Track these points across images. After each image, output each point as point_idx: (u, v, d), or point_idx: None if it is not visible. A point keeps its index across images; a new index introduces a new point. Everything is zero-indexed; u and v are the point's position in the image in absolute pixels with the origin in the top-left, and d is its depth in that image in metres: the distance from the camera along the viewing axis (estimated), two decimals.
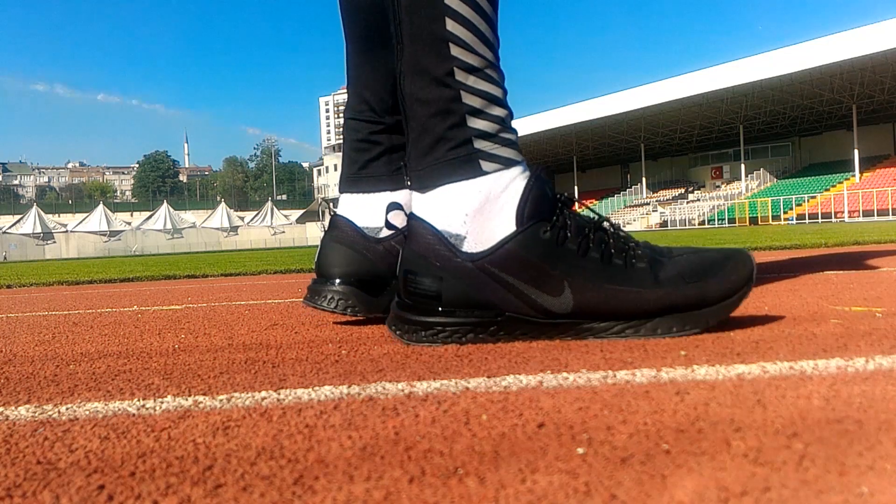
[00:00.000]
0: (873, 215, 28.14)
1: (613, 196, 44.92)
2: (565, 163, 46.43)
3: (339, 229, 1.06)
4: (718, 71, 31.55)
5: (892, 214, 27.65)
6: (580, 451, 0.41)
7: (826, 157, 38.10)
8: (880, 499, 0.33)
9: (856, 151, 32.90)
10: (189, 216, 52.82)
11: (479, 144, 0.80)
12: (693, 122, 38.37)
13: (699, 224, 34.94)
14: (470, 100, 0.79)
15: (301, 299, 1.66)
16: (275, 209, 51.27)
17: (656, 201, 41.26)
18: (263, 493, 0.37)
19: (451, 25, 0.78)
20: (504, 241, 0.77)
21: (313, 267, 1.09)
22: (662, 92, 33.60)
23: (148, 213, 52.78)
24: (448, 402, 0.54)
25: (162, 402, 0.59)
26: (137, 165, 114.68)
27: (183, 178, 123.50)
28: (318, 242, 1.10)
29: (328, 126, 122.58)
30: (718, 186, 41.78)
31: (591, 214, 0.84)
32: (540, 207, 0.79)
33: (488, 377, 0.62)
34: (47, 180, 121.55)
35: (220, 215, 48.63)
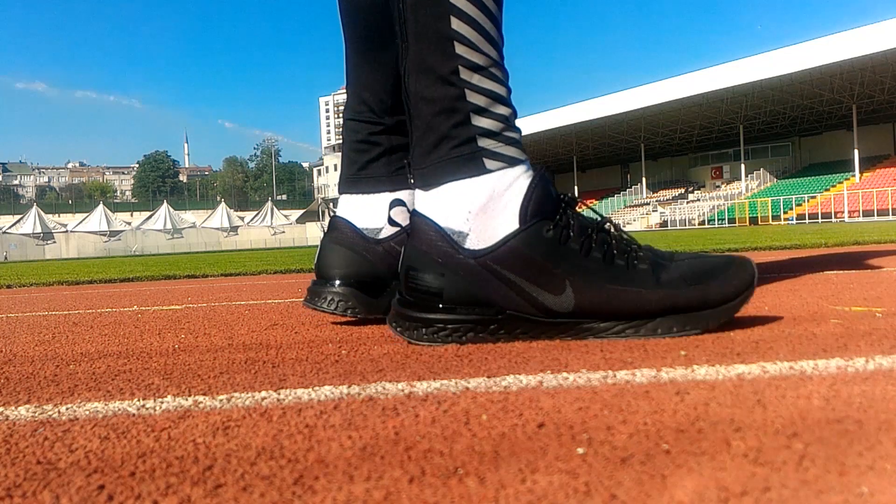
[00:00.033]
0: (873, 215, 28.14)
1: (613, 196, 44.92)
2: (565, 163, 46.43)
3: (339, 231, 1.06)
4: (718, 71, 31.55)
5: (892, 214, 27.65)
6: (580, 451, 0.41)
7: (826, 157, 38.11)
8: (880, 499, 0.33)
9: (856, 151, 32.90)
10: (189, 216, 52.83)
11: (483, 143, 0.80)
12: (693, 122, 38.38)
13: (699, 224, 34.94)
14: (474, 98, 0.80)
15: (301, 299, 1.66)
16: (275, 209, 51.29)
17: (656, 201, 41.26)
18: (263, 493, 0.37)
19: (456, 24, 0.78)
20: (507, 239, 0.77)
21: (313, 268, 1.09)
22: (662, 92, 33.61)
23: (148, 213, 52.79)
24: (448, 402, 0.54)
25: (162, 402, 0.59)
26: (137, 165, 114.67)
27: (183, 178, 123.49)
28: (318, 242, 1.10)
29: (328, 126, 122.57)
30: (718, 186, 41.79)
31: (594, 215, 0.84)
32: (543, 206, 0.79)
33: (488, 377, 0.62)
34: (47, 180, 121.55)
35: (220, 215, 48.64)
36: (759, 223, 29.74)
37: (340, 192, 1.11)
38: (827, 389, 0.53)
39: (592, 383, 0.58)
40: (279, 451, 0.43)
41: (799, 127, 39.06)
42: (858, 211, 29.09)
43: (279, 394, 0.60)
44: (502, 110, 0.81)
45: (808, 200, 32.33)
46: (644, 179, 43.55)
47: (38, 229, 42.92)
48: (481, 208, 0.78)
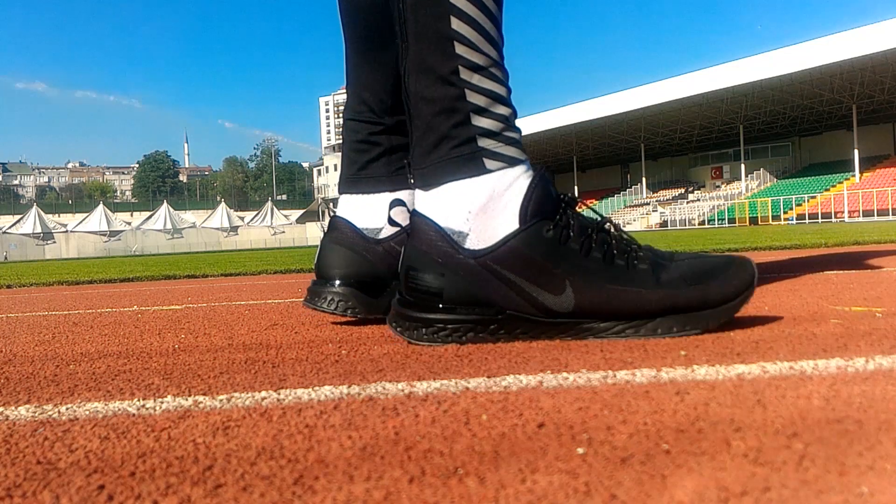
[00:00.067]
0: (873, 215, 28.14)
1: (613, 196, 44.93)
2: (565, 163, 46.43)
3: (339, 231, 1.06)
4: (718, 71, 31.55)
5: (892, 214, 27.65)
6: (580, 451, 0.41)
7: (826, 157, 38.11)
8: (880, 499, 0.33)
9: (856, 151, 32.90)
10: (189, 216, 52.82)
11: (483, 143, 0.80)
12: (693, 122, 38.38)
13: (699, 224, 34.94)
14: (474, 98, 0.80)
15: (301, 299, 1.66)
16: (275, 209, 51.28)
17: (656, 201, 41.26)
18: (263, 493, 0.37)
19: (456, 24, 0.78)
20: (507, 239, 0.77)
21: (313, 268, 1.09)
22: (662, 92, 33.61)
23: (148, 213, 52.78)
24: (448, 402, 0.54)
25: (162, 402, 0.59)
26: (137, 165, 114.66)
27: (183, 178, 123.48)
28: (318, 242, 1.10)
29: (328, 126, 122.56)
30: (718, 186, 41.79)
31: (594, 216, 0.84)
32: (543, 206, 0.79)
33: (488, 377, 0.62)
34: (47, 180, 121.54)
35: (220, 215, 48.64)
36: (759, 223, 29.74)
37: (340, 192, 1.11)
38: (827, 389, 0.53)
39: (592, 383, 0.58)
40: (279, 451, 0.43)
41: (799, 127, 39.06)
42: (858, 211, 29.09)
43: (279, 394, 0.60)
44: (502, 110, 0.81)
45: (808, 200, 32.33)
46: (644, 179, 43.55)
47: (38, 229, 42.92)
48: (481, 208, 0.78)
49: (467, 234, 0.78)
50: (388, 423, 0.49)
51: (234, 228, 47.88)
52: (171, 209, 48.69)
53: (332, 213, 1.12)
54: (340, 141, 1.17)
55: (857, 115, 33.33)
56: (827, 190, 33.18)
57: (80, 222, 46.11)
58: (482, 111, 0.80)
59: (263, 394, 0.60)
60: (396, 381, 0.63)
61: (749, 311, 1.00)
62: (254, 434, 0.48)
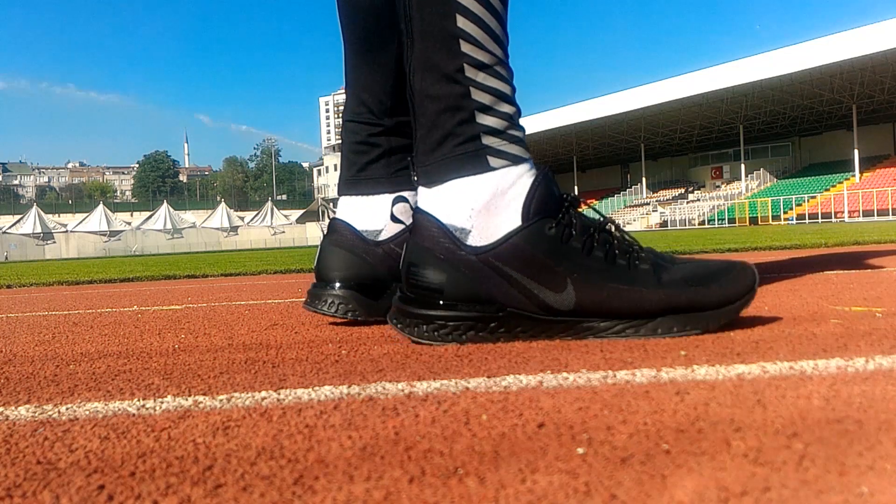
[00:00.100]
0: (873, 215, 28.15)
1: (613, 196, 44.93)
2: (565, 163, 46.43)
3: (339, 233, 1.05)
4: (718, 71, 31.55)
5: (892, 214, 27.65)
6: (580, 451, 0.41)
7: (826, 157, 38.11)
8: (880, 499, 0.33)
9: (856, 151, 32.91)
10: (189, 216, 52.80)
11: (488, 140, 0.80)
12: (693, 122, 38.38)
13: (699, 224, 34.94)
14: (479, 96, 0.80)
15: (301, 299, 1.66)
16: (275, 209, 51.26)
17: (656, 201, 41.26)
18: (263, 493, 0.37)
19: (461, 22, 0.78)
20: (509, 236, 0.78)
21: (313, 268, 1.09)
22: (662, 92, 33.61)
23: (148, 213, 52.75)
24: (448, 402, 0.54)
25: (162, 402, 0.59)
26: (137, 165, 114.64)
27: (183, 178, 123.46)
28: (318, 243, 1.10)
29: (328, 126, 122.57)
30: (718, 186, 41.79)
31: (596, 216, 0.84)
32: (546, 204, 0.79)
33: (488, 377, 0.62)
34: (47, 180, 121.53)
35: (220, 215, 48.62)
36: (759, 223, 29.74)
37: (340, 194, 1.11)
38: (827, 389, 0.53)
39: (592, 383, 0.58)
40: (279, 451, 0.43)
41: (799, 127, 39.07)
42: (858, 211, 29.09)
43: (279, 394, 0.60)
44: (507, 108, 0.82)
45: (808, 200, 32.34)
46: (644, 179, 43.55)
47: (38, 229, 42.91)
48: (484, 206, 0.78)
49: (470, 231, 0.78)
50: (388, 423, 0.49)
51: (234, 228, 47.87)
52: (171, 209, 48.67)
53: (332, 213, 1.12)
54: (340, 141, 1.17)
55: (857, 115, 33.34)
56: (827, 190, 33.19)
57: (80, 222, 46.09)
58: (487, 109, 0.80)
59: (263, 394, 0.60)
60: (396, 381, 0.63)
61: (749, 311, 1.00)
62: (254, 434, 0.48)
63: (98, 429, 0.51)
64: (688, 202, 39.75)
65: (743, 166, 39.07)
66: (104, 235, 44.10)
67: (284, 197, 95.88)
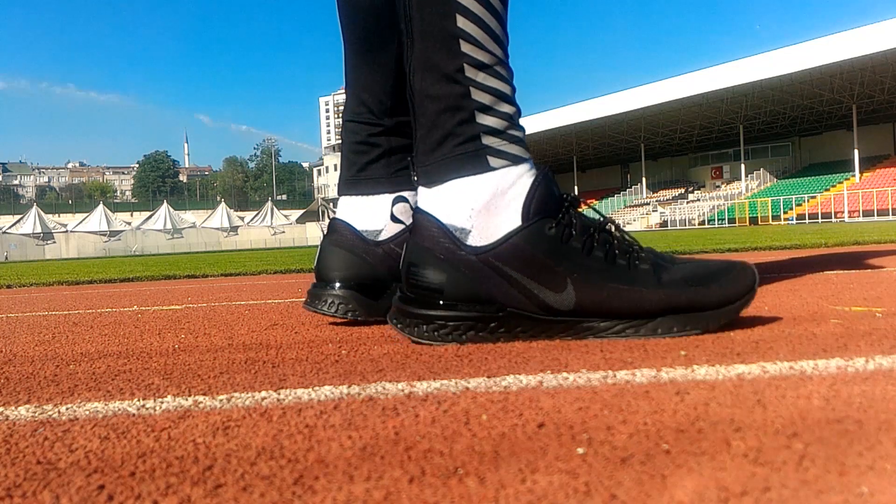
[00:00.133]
0: (873, 215, 28.15)
1: (613, 196, 44.93)
2: (565, 163, 46.43)
3: (338, 233, 1.05)
4: (718, 71, 31.56)
5: (892, 214, 27.65)
6: (580, 451, 0.41)
7: (826, 157, 38.11)
8: (880, 499, 0.33)
9: (856, 151, 32.91)
10: (189, 216, 52.79)
11: (488, 141, 0.80)
12: (693, 122, 38.38)
13: (699, 224, 34.94)
14: (479, 96, 0.80)
15: (301, 299, 1.66)
16: (275, 209, 51.25)
17: (656, 201, 41.27)
18: (263, 493, 0.37)
19: (461, 22, 0.78)
20: (509, 236, 0.78)
21: (313, 268, 1.09)
22: (662, 92, 33.61)
23: (148, 213, 52.73)
24: (448, 402, 0.54)
25: (162, 402, 0.59)
26: (137, 165, 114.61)
27: (183, 178, 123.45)
28: (318, 242, 1.10)
29: (328, 126, 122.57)
30: (718, 186, 41.80)
31: (596, 216, 0.84)
32: (546, 204, 0.79)
33: (488, 377, 0.62)
34: (47, 180, 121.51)
35: (220, 215, 48.61)
36: (759, 223, 29.74)
37: (340, 194, 1.11)
38: (827, 389, 0.53)
39: (592, 383, 0.58)
40: (279, 451, 0.43)
41: (799, 127, 39.07)
42: (858, 211, 29.09)
43: (279, 394, 0.60)
44: (507, 108, 0.82)
45: (808, 200, 32.34)
46: (644, 179, 43.55)
47: (38, 229, 42.90)
48: (484, 205, 0.78)
49: (470, 231, 0.78)
50: (388, 423, 0.49)
51: (234, 228, 47.85)
52: (171, 209, 48.65)
53: (332, 213, 1.12)
54: (340, 141, 1.17)
55: (857, 115, 33.34)
56: (827, 190, 33.19)
57: (80, 222, 46.07)
58: (487, 109, 0.80)
59: (263, 394, 0.60)
60: (396, 381, 0.63)
61: (749, 311, 1.00)
62: (254, 434, 0.48)
63: (98, 429, 0.51)
64: (688, 202, 39.75)
65: (743, 166, 39.07)
66: (104, 235, 44.09)
67: (284, 197, 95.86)
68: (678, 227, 32.70)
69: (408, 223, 0.84)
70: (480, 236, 0.78)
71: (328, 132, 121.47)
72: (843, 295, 1.20)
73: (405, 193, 1.05)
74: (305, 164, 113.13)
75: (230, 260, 7.10)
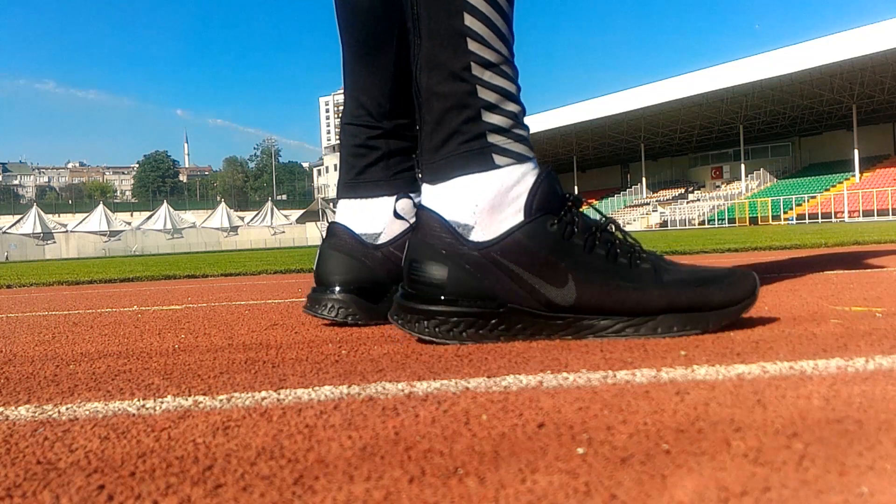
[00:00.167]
0: (873, 215, 28.15)
1: (613, 196, 44.94)
2: (565, 163, 46.43)
3: (338, 237, 1.06)
4: (718, 71, 31.56)
5: (892, 214, 27.65)
6: (580, 451, 0.41)
7: (826, 157, 38.11)
8: (880, 499, 0.33)
9: (856, 151, 32.91)
10: (189, 216, 52.76)
11: (493, 139, 0.80)
12: (693, 122, 38.38)
13: (699, 224, 34.94)
14: (485, 95, 0.80)
15: (301, 299, 1.66)
16: (275, 209, 51.22)
17: (656, 201, 41.27)
18: (263, 493, 0.37)
19: (469, 20, 0.79)
20: (511, 231, 0.78)
21: (313, 269, 1.09)
22: (662, 92, 33.61)
23: (148, 213, 52.70)
24: (448, 402, 0.54)
25: (162, 402, 0.59)
26: (137, 165, 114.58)
27: (183, 178, 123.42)
28: (318, 243, 1.10)
29: (328, 126, 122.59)
30: (718, 186, 41.80)
31: (599, 217, 0.85)
32: (549, 202, 0.79)
33: (488, 377, 0.62)
34: (47, 180, 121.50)
35: (220, 215, 48.59)
36: (759, 223, 29.74)
37: (338, 197, 1.11)
38: (827, 389, 0.53)
39: (592, 383, 0.58)
40: (279, 451, 0.43)
41: (799, 127, 39.07)
42: (858, 211, 29.09)
43: (279, 394, 0.60)
44: (512, 107, 0.82)
45: (808, 200, 32.34)
46: (644, 179, 43.55)
47: (38, 229, 42.88)
48: (488, 202, 0.79)
49: (472, 227, 0.79)
50: (388, 423, 0.49)
51: (234, 228, 47.84)
52: (171, 209, 48.62)
53: (332, 213, 1.12)
54: (339, 143, 1.17)
55: (857, 115, 33.34)
56: (827, 190, 33.19)
57: (80, 222, 46.05)
58: (493, 107, 0.81)
59: (263, 394, 0.60)
60: (396, 381, 0.63)
61: (749, 311, 1.00)
62: (254, 434, 0.48)
63: (98, 429, 0.51)
64: (688, 202, 39.75)
65: (743, 166, 39.07)
66: (104, 235, 44.08)
67: (284, 197, 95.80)
68: (678, 227, 32.70)
69: (411, 221, 0.85)
70: (483, 232, 0.79)
71: (328, 132, 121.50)
72: (843, 295, 1.20)
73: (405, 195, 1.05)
74: (305, 164, 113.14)
75: (230, 260, 7.11)
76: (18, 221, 44.86)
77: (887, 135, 35.83)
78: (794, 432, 0.43)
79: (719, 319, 0.81)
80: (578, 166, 47.27)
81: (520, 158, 0.81)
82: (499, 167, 0.80)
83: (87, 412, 0.56)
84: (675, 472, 0.37)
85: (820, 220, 29.20)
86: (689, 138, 41.92)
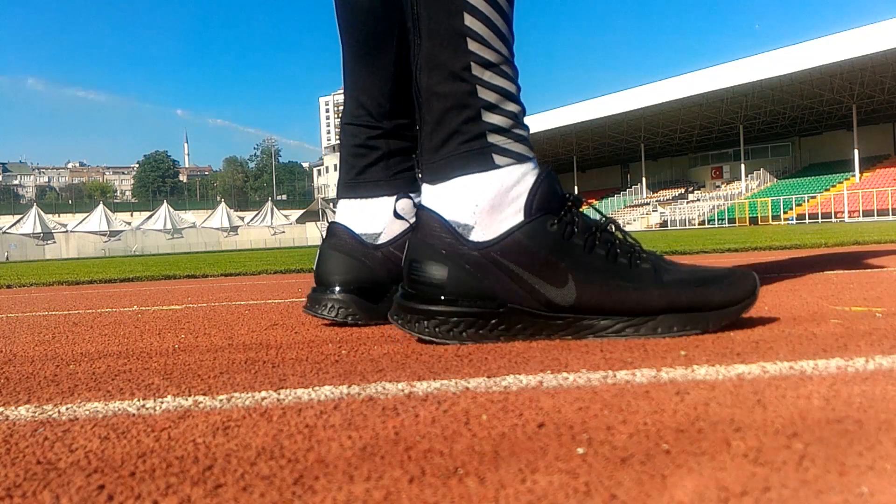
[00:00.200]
0: (873, 215, 28.14)
1: (613, 196, 44.94)
2: (565, 163, 46.42)
3: (338, 237, 1.06)
4: (718, 71, 31.56)
5: (892, 214, 27.65)
6: (580, 451, 0.41)
7: (826, 157, 38.11)
8: (880, 499, 0.33)
9: (856, 151, 32.91)
10: (189, 216, 52.74)
11: (493, 139, 0.80)
12: (693, 122, 38.38)
13: (699, 224, 34.94)
14: (485, 95, 0.80)
15: (301, 299, 1.66)
16: (275, 209, 51.20)
17: (656, 201, 41.27)
18: (263, 493, 0.37)
19: (469, 20, 0.79)
20: (511, 231, 0.78)
21: (314, 269, 1.09)
22: (662, 92, 33.61)
23: (148, 213, 52.67)
24: (448, 402, 0.54)
25: (162, 402, 0.59)
26: (137, 165, 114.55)
27: (183, 178, 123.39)
28: (318, 242, 1.10)
29: (328, 126, 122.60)
30: (718, 186, 41.80)
31: (599, 217, 0.85)
32: (549, 201, 0.79)
33: (488, 377, 0.62)
34: (47, 180, 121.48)
35: (220, 215, 48.57)
36: (759, 223, 29.74)
37: (338, 197, 1.11)
38: (827, 389, 0.53)
39: (592, 383, 0.58)
40: (279, 451, 0.43)
41: (799, 127, 39.07)
42: (858, 211, 29.09)
43: (279, 394, 0.60)
44: (512, 107, 0.82)
45: (808, 200, 32.34)
46: (644, 179, 43.55)
47: (38, 229, 42.87)
48: (488, 202, 0.79)
49: (472, 227, 0.79)
50: (388, 423, 0.49)
51: (234, 228, 47.82)
52: (171, 209, 48.59)
53: (332, 213, 1.12)
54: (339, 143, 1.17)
55: (857, 115, 33.34)
56: (827, 190, 33.19)
57: (80, 222, 46.03)
58: (493, 107, 0.81)
59: (263, 394, 0.60)
60: (396, 381, 0.63)
61: (749, 311, 1.00)
62: (254, 434, 0.48)
63: (98, 429, 0.51)
64: (688, 202, 39.76)
65: (743, 166, 39.07)
66: (104, 235, 44.07)
67: (284, 197, 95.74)
68: (678, 227, 32.70)
69: (411, 220, 0.85)
70: (483, 232, 0.79)
71: (328, 132, 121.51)
72: (843, 295, 1.20)
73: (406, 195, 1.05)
74: (305, 164, 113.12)
75: (230, 260, 7.11)
76: (18, 221, 44.85)
77: (887, 135, 35.83)
78: (794, 432, 0.43)
79: (719, 319, 0.81)
80: (578, 166, 47.27)
81: (520, 158, 0.81)
82: (499, 167, 0.80)
83: (87, 412, 0.56)
84: (675, 472, 0.37)
85: (820, 220, 29.20)
86: (689, 138, 41.92)
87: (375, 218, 1.05)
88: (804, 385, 0.55)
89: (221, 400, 0.58)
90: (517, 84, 0.83)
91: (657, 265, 0.81)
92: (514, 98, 0.83)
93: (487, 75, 0.80)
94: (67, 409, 0.58)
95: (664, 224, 36.99)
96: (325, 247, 1.07)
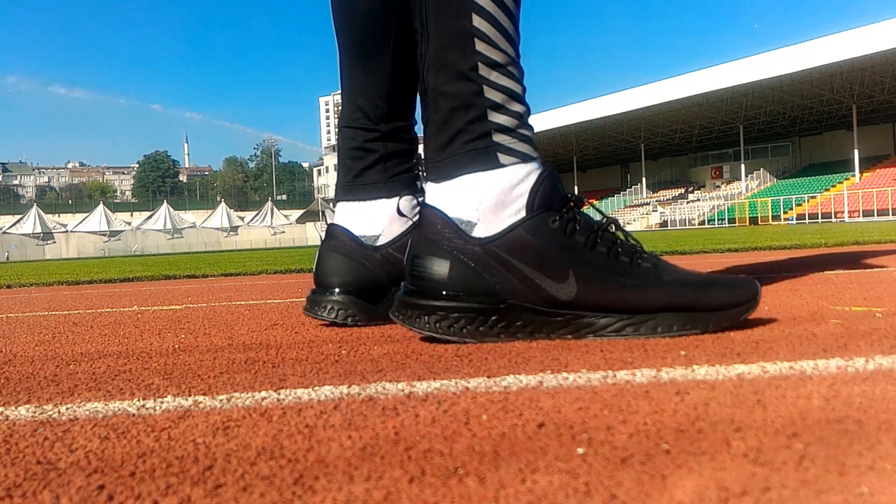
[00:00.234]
0: (873, 215, 28.15)
1: (613, 196, 44.94)
2: (565, 163, 46.43)
3: (336, 238, 1.06)
4: (718, 71, 31.57)
5: (892, 214, 27.65)
6: (580, 451, 0.41)
7: (826, 157, 38.11)
8: (880, 499, 0.33)
9: (856, 151, 32.91)
10: (189, 216, 52.72)
11: (498, 138, 0.81)
12: (693, 122, 38.38)
13: (699, 224, 34.94)
14: (492, 95, 0.81)
15: (301, 299, 1.66)
16: (275, 209, 51.19)
17: (656, 201, 41.27)
18: (263, 493, 0.37)
19: (477, 21, 0.79)
20: (513, 226, 0.79)
21: (313, 269, 1.09)
22: (662, 92, 33.62)
23: (148, 213, 52.67)
24: (448, 402, 0.54)
25: (162, 402, 0.59)
26: (137, 165, 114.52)
27: (183, 178, 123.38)
28: (318, 242, 1.10)
29: (328, 126, 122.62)
30: (718, 186, 41.80)
31: (600, 217, 0.85)
32: (550, 199, 0.80)
33: (488, 377, 0.62)
34: (47, 180, 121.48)
35: (220, 215, 48.57)
36: (759, 223, 29.74)
37: (337, 200, 1.11)
38: (827, 389, 0.53)
39: (592, 383, 0.58)
40: (279, 451, 0.43)
41: (799, 127, 39.07)
42: (858, 211, 29.09)
43: (279, 394, 0.60)
44: (517, 107, 0.83)
45: (808, 200, 32.34)
46: (644, 179, 43.56)
47: (38, 229, 42.86)
48: (492, 200, 0.79)
49: (475, 224, 0.79)
50: (388, 423, 0.49)
51: (234, 228, 47.82)
52: (171, 209, 48.59)
53: (332, 213, 1.12)
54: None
55: (857, 115, 33.34)
56: (827, 190, 33.19)
57: (80, 222, 46.02)
58: (499, 107, 0.81)
59: (263, 394, 0.60)
60: (396, 381, 0.63)
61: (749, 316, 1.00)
62: (254, 434, 0.48)
63: (98, 429, 0.51)
64: (688, 202, 39.76)
65: (743, 166, 39.07)
66: (104, 235, 44.06)
67: (284, 197, 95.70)
68: (678, 227, 32.70)
69: (413, 219, 0.85)
70: (486, 228, 0.79)
71: (328, 132, 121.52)
72: (843, 295, 1.20)
73: (401, 200, 1.06)
74: (305, 164, 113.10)
75: (230, 260, 7.11)
76: (18, 221, 44.84)
77: (887, 135, 35.83)
78: (794, 432, 0.43)
79: (719, 320, 0.81)
80: (578, 166, 47.28)
81: (524, 157, 0.81)
82: (503, 166, 0.80)
83: (87, 412, 0.56)
84: (675, 472, 0.37)
85: (820, 220, 29.20)
86: (689, 138, 41.93)
87: (374, 220, 1.06)
88: (804, 385, 0.55)
89: (221, 400, 0.58)
90: (523, 85, 0.84)
91: (658, 266, 0.82)
92: (520, 98, 0.83)
93: (494, 76, 0.81)
94: (67, 409, 0.58)
95: (664, 224, 36.99)
96: (324, 248, 1.07)
